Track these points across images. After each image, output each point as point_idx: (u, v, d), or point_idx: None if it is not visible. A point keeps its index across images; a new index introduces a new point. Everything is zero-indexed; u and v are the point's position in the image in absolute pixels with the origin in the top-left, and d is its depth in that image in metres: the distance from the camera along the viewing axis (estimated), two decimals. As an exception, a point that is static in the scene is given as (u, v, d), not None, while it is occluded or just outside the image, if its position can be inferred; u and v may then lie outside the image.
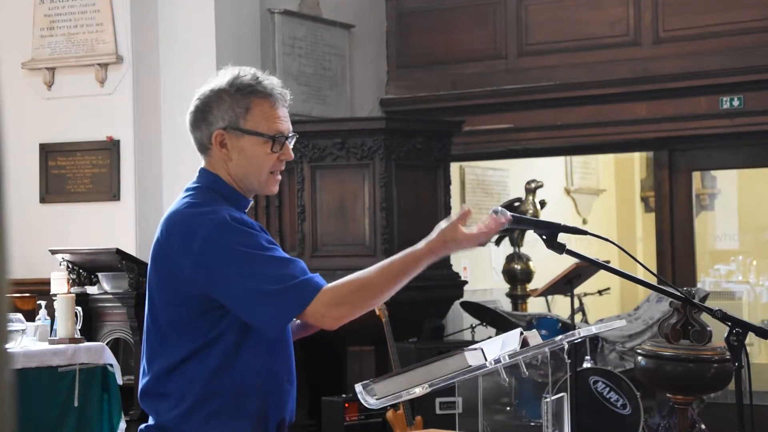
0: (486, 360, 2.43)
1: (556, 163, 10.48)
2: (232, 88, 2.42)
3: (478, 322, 7.09)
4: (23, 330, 5.54)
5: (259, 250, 2.30)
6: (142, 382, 2.44)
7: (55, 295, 6.04)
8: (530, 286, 8.08)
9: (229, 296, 2.30)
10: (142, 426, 2.47)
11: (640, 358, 5.82)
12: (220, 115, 2.41)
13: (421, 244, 2.35)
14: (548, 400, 2.60)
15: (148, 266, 2.44)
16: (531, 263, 8.09)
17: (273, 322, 2.30)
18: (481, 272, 9.29)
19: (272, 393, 2.40)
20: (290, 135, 2.50)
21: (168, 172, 6.94)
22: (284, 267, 2.30)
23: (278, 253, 2.33)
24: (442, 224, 2.37)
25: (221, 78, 2.44)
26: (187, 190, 2.46)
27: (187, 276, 2.32)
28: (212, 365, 2.34)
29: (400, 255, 2.36)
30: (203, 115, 2.42)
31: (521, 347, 2.46)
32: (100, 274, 6.50)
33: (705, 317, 5.62)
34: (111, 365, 5.83)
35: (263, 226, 7.90)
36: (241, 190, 2.46)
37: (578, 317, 6.72)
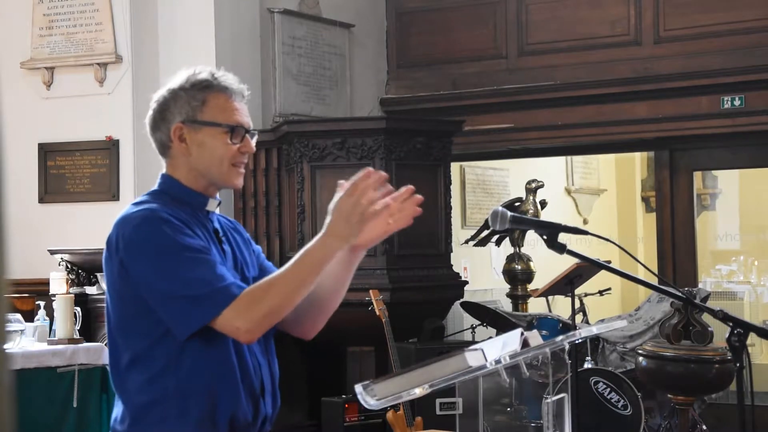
0: (486, 360, 2.41)
1: (557, 163, 10.47)
2: (188, 84, 2.44)
3: (478, 322, 7.07)
4: (22, 330, 5.53)
5: (180, 251, 2.28)
6: None
7: (54, 295, 6.03)
8: (531, 287, 8.07)
9: (148, 295, 2.30)
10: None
11: (641, 358, 5.81)
12: (177, 110, 2.42)
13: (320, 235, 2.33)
14: (549, 400, 2.58)
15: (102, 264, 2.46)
16: (531, 263, 8.08)
17: (180, 326, 2.27)
18: (482, 272, 9.28)
19: (223, 393, 2.35)
20: (251, 130, 2.50)
21: (167, 172, 6.92)
22: (201, 272, 2.26)
23: (200, 256, 2.29)
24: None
25: (176, 79, 2.47)
26: (144, 193, 2.49)
27: (117, 274, 2.34)
28: (156, 368, 2.32)
29: (308, 249, 2.31)
30: (161, 114, 2.45)
31: (522, 348, 2.45)
32: (99, 275, 6.49)
33: (706, 318, 5.61)
34: (110, 366, 5.81)
35: (264, 227, 7.82)
36: (203, 188, 2.46)
37: (579, 317, 6.71)
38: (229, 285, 2.26)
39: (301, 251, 2.31)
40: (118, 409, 2.41)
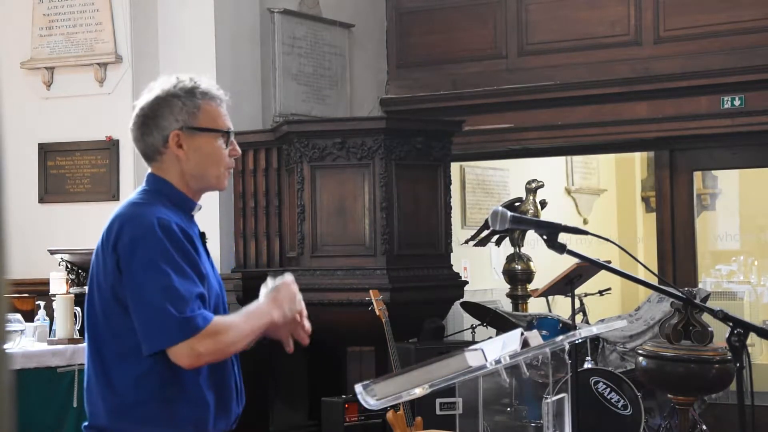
0: (486, 360, 2.41)
1: (557, 163, 10.47)
2: (181, 92, 2.51)
3: (478, 322, 7.07)
4: (22, 330, 5.53)
5: (169, 267, 2.34)
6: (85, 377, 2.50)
7: (54, 295, 6.03)
8: (531, 287, 8.07)
9: (129, 299, 2.36)
10: (84, 424, 2.50)
11: (641, 358, 5.81)
12: (173, 117, 2.50)
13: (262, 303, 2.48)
14: (549, 400, 2.58)
15: (94, 258, 2.50)
16: (531, 263, 8.07)
17: (147, 342, 2.33)
18: (482, 272, 9.28)
19: (217, 399, 2.45)
20: (233, 133, 2.61)
21: (167, 172, 6.92)
22: (180, 296, 2.32)
23: (185, 278, 2.35)
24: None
25: (162, 85, 2.53)
26: (138, 192, 2.54)
27: (111, 270, 2.39)
28: (144, 367, 2.36)
29: (252, 311, 2.44)
30: (154, 121, 2.51)
31: (522, 348, 2.45)
32: (99, 275, 6.48)
33: (706, 318, 5.61)
34: (110, 366, 5.81)
35: (264, 227, 7.80)
36: (191, 192, 2.55)
37: (579, 318, 6.70)
38: (196, 316, 2.32)
39: (250, 308, 2.45)
40: (96, 404, 2.43)
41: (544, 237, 2.55)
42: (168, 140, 2.50)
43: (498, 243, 8.16)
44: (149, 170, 2.57)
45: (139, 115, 2.53)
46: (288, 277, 2.49)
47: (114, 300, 2.38)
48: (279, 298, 2.45)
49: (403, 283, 6.49)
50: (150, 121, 2.51)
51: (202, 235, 2.56)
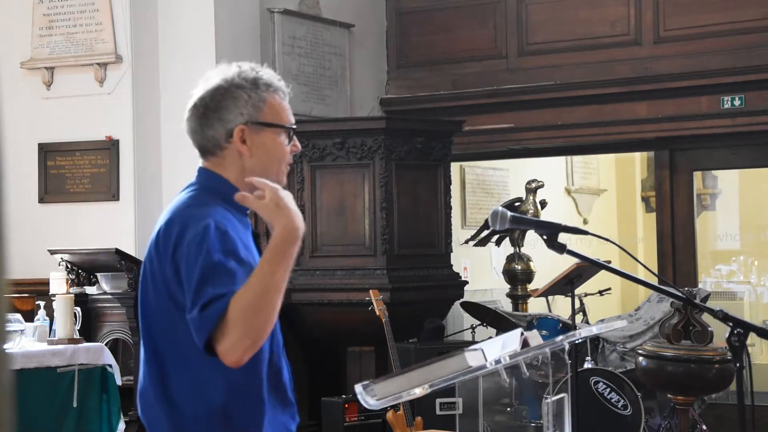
0: (486, 360, 2.41)
1: (557, 163, 10.47)
2: (246, 83, 2.35)
3: (478, 322, 7.07)
4: (22, 330, 5.53)
5: (220, 266, 2.18)
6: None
7: (54, 295, 6.03)
8: (531, 287, 8.06)
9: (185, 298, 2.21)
10: None
11: (641, 358, 5.81)
12: (237, 110, 2.33)
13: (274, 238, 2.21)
14: (549, 400, 2.58)
15: (148, 260, 2.33)
16: (531, 263, 8.07)
17: (195, 336, 2.17)
18: (482, 272, 9.27)
19: (245, 414, 2.28)
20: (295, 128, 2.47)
21: (167, 172, 6.92)
22: (221, 289, 2.15)
23: (233, 274, 2.18)
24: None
25: (225, 74, 2.36)
26: (188, 188, 2.39)
27: (169, 279, 2.25)
28: (202, 377, 2.24)
29: (267, 256, 2.19)
30: (216, 113, 2.34)
31: (522, 348, 2.45)
32: (99, 275, 6.49)
33: (706, 318, 5.61)
34: (110, 366, 5.82)
35: (264, 227, 7.85)
36: (247, 189, 2.34)
37: (579, 318, 6.70)
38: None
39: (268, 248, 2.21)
40: (156, 416, 2.29)
41: (544, 237, 2.56)
42: (232, 135, 2.32)
43: (498, 243, 8.16)
44: (201, 164, 2.40)
45: (198, 105, 2.35)
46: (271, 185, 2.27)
47: (174, 306, 2.24)
48: (282, 205, 2.20)
49: (403, 283, 6.49)
50: (212, 113, 2.33)
51: (256, 236, 2.42)
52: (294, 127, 2.41)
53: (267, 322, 2.15)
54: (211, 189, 2.35)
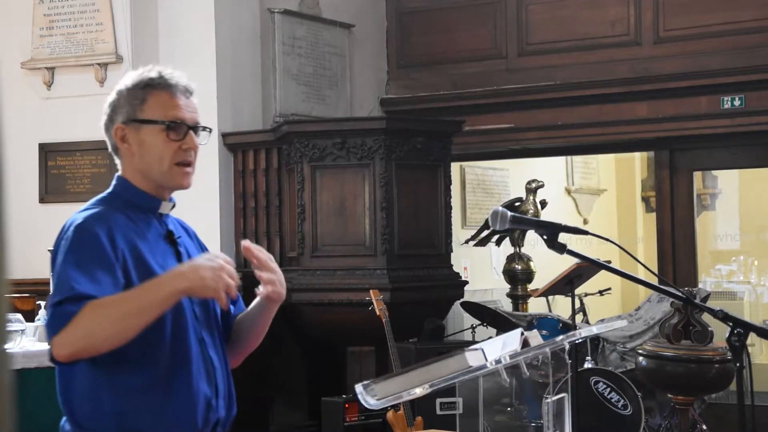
0: (487, 360, 2.41)
1: (557, 163, 10.47)
2: (131, 84, 2.41)
3: (478, 322, 7.07)
4: (22, 330, 5.53)
5: (79, 264, 2.23)
6: None
7: (54, 295, 6.01)
8: (531, 287, 8.07)
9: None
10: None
11: (641, 358, 5.81)
12: (120, 111, 2.40)
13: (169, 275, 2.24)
14: (549, 400, 2.58)
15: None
16: (532, 263, 8.07)
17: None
18: (482, 272, 9.28)
19: (174, 395, 2.32)
20: (199, 126, 2.42)
21: (167, 172, 6.92)
22: (74, 289, 2.18)
23: (91, 275, 2.21)
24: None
25: (123, 80, 2.45)
26: (98, 196, 2.46)
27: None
28: (87, 381, 2.33)
29: (146, 285, 2.22)
30: (110, 117, 2.44)
31: (522, 347, 2.45)
32: (99, 275, 6.48)
33: (706, 317, 5.61)
34: (110, 366, 5.80)
35: (264, 227, 7.77)
36: (153, 190, 2.40)
37: (579, 317, 6.70)
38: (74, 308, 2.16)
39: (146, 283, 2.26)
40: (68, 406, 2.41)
41: (544, 237, 2.56)
42: (113, 134, 2.41)
43: (498, 243, 8.17)
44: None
45: (104, 112, 2.46)
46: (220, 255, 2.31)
47: None
48: (195, 267, 2.20)
49: (403, 283, 6.50)
50: (107, 119, 2.44)
51: (169, 234, 2.42)
52: (174, 121, 2.37)
53: (112, 337, 2.16)
54: (114, 195, 2.42)
